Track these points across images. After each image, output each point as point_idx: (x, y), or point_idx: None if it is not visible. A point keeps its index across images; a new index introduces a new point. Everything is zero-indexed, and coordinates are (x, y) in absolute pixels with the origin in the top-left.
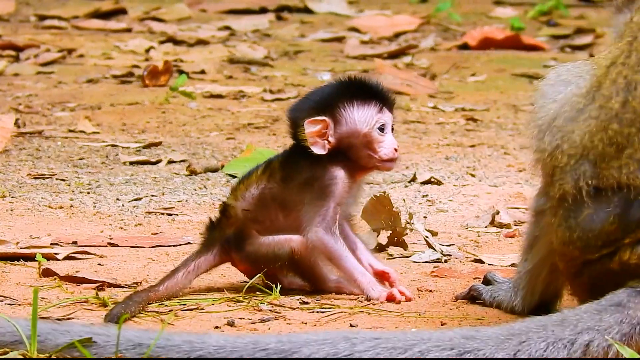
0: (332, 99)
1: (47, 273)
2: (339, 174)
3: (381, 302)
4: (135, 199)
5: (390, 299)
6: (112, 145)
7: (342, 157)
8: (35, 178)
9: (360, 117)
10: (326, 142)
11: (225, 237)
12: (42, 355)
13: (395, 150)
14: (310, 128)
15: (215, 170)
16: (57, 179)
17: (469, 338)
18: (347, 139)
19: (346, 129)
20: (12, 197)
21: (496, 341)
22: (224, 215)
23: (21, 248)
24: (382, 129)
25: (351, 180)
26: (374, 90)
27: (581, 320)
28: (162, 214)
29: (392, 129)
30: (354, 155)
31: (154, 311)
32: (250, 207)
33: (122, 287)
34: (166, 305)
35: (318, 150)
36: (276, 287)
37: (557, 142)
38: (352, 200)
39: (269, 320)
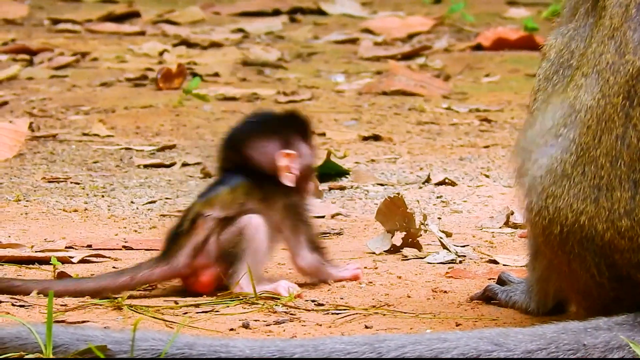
0: (294, 134)
1: (62, 276)
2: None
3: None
4: (150, 202)
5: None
6: (127, 149)
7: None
8: (50, 181)
9: (311, 152)
10: (293, 175)
11: (194, 244)
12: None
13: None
14: (283, 161)
15: None
16: (71, 183)
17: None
18: (302, 172)
19: (304, 163)
20: (27, 201)
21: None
22: (193, 223)
23: (36, 251)
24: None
25: None
26: (307, 125)
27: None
28: (176, 221)
29: None
30: (301, 186)
31: (170, 310)
32: (228, 215)
33: (137, 290)
34: (180, 307)
35: (287, 181)
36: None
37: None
38: None
39: (283, 323)
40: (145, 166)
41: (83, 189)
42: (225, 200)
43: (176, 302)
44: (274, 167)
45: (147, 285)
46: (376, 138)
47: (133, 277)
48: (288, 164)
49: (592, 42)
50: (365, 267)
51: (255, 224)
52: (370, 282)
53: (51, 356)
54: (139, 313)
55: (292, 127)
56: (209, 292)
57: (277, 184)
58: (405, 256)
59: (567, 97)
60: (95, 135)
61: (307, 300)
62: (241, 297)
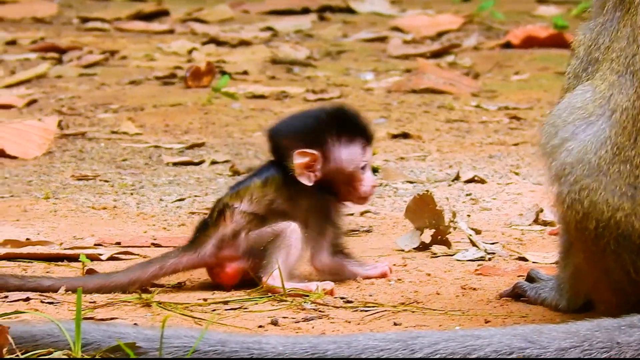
0: (322, 133)
1: (90, 273)
2: (335, 207)
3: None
4: (179, 200)
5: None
6: (155, 146)
7: (325, 187)
8: (79, 179)
9: (347, 155)
10: (313, 174)
11: (222, 235)
12: (86, 356)
13: (373, 187)
14: (299, 159)
15: None
16: (100, 180)
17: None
18: (331, 174)
19: (333, 165)
20: (56, 199)
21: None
22: (222, 214)
23: (65, 249)
24: (363, 167)
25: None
26: (360, 126)
27: None
28: (206, 214)
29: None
30: (335, 188)
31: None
32: (256, 211)
33: (165, 287)
34: (209, 304)
35: (304, 180)
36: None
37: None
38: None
39: (312, 319)
40: (174, 164)
41: (112, 186)
42: (254, 193)
43: (205, 299)
44: (289, 163)
45: (175, 274)
46: (405, 136)
47: (162, 266)
48: (307, 162)
49: (619, 36)
50: (394, 265)
51: (292, 229)
52: (399, 280)
53: (80, 354)
54: (168, 310)
55: (326, 124)
56: (233, 285)
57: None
58: (435, 253)
59: (595, 84)
60: (124, 133)
61: (335, 298)
62: (270, 294)
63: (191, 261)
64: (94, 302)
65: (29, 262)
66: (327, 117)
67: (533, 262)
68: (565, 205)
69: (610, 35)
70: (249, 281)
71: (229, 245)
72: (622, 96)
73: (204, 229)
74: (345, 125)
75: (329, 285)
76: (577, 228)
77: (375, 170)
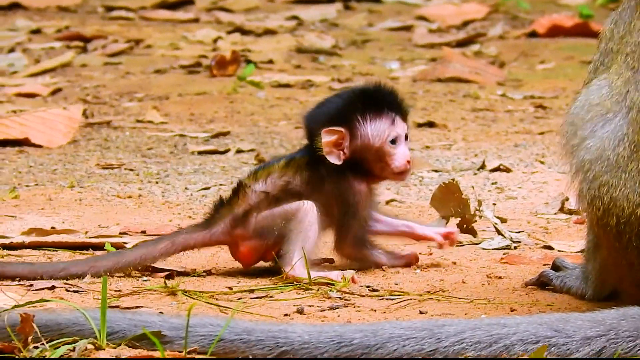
0: (348, 110)
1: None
2: (361, 189)
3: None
4: (204, 189)
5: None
6: (181, 135)
7: (357, 166)
8: (104, 168)
9: (373, 131)
10: (341, 152)
11: (234, 214)
12: (111, 344)
13: (408, 162)
14: (326, 138)
15: None
16: (125, 169)
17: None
18: (360, 151)
19: (360, 142)
20: (81, 187)
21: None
22: (237, 194)
23: (90, 237)
24: (394, 141)
25: (369, 188)
26: (388, 101)
27: None
28: None
29: (407, 137)
30: (367, 166)
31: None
32: (270, 191)
33: (190, 275)
34: (234, 293)
35: (333, 159)
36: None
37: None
38: (372, 202)
39: (338, 308)
40: (200, 153)
41: (137, 175)
42: (273, 174)
43: (230, 288)
44: (319, 145)
45: (186, 251)
46: (431, 125)
47: (173, 242)
48: (334, 140)
49: (633, 29)
50: (420, 253)
51: (306, 209)
52: (425, 268)
53: (105, 342)
54: (193, 298)
55: (352, 101)
56: (250, 263)
57: (330, 165)
58: (460, 242)
59: (611, 79)
60: (149, 122)
61: (361, 286)
62: (295, 283)
63: (203, 238)
64: (119, 290)
65: (54, 250)
66: (353, 95)
67: (558, 251)
68: (586, 202)
69: (625, 26)
70: (274, 268)
71: (241, 224)
72: (638, 93)
73: (218, 208)
74: (372, 100)
75: (349, 273)
76: (599, 224)
77: None
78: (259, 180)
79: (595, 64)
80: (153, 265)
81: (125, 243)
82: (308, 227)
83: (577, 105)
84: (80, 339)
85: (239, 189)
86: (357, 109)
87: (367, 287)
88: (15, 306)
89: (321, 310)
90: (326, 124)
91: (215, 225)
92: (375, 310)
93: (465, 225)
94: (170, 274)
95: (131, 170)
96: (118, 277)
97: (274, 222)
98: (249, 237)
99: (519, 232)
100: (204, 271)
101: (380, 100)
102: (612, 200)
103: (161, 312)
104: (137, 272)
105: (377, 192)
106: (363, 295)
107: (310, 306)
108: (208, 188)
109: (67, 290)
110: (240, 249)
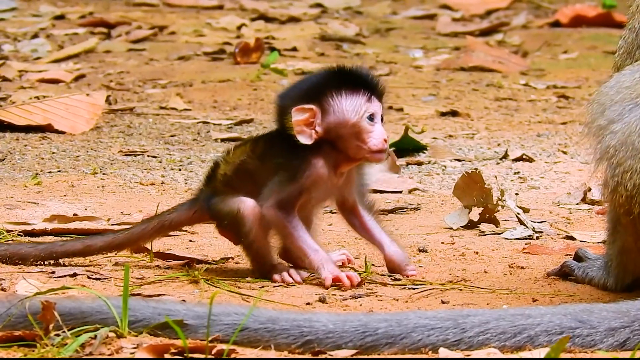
0: (320, 88)
1: (138, 250)
2: (317, 164)
3: (326, 285)
4: None
5: (336, 280)
6: (204, 122)
7: (328, 147)
8: (127, 155)
9: (349, 106)
10: (313, 131)
11: (205, 195)
12: (134, 333)
13: (385, 140)
14: (297, 116)
15: None
16: (148, 156)
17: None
18: (335, 129)
19: (334, 119)
20: (104, 174)
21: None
22: (211, 175)
23: (112, 224)
24: (371, 118)
25: (334, 171)
26: (363, 78)
27: None
28: None
29: (382, 119)
30: (341, 146)
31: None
32: (229, 173)
33: (212, 263)
34: (257, 281)
35: (304, 139)
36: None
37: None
38: (347, 189)
39: (360, 297)
40: (223, 140)
41: (160, 162)
42: (234, 154)
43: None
44: (290, 124)
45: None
46: (454, 114)
47: (161, 221)
48: (305, 119)
49: None
50: (442, 243)
51: (246, 209)
52: (447, 258)
53: (127, 330)
54: (215, 287)
55: (324, 79)
56: (234, 243)
57: (294, 144)
58: (483, 232)
59: None
60: (173, 109)
61: (383, 275)
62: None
63: (186, 217)
64: (142, 278)
65: (76, 237)
66: (326, 73)
67: (581, 241)
68: (609, 188)
69: None
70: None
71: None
72: None
73: (201, 187)
74: (346, 78)
75: (343, 256)
76: (622, 211)
77: (424, 148)
78: (228, 162)
79: (628, 47)
80: (175, 253)
81: None
82: (252, 231)
83: (607, 85)
84: (103, 327)
85: (213, 171)
86: (331, 85)
87: (389, 276)
88: (37, 293)
89: (343, 299)
90: (297, 102)
91: (197, 204)
92: (397, 300)
93: (487, 215)
94: (191, 262)
95: (154, 157)
96: (140, 265)
97: (221, 217)
98: (212, 219)
99: (541, 222)
100: (224, 258)
101: (356, 78)
102: (635, 187)
103: (183, 300)
104: (158, 259)
105: (367, 188)
106: (385, 285)
107: (332, 295)
108: None
109: (89, 277)
110: (217, 228)
